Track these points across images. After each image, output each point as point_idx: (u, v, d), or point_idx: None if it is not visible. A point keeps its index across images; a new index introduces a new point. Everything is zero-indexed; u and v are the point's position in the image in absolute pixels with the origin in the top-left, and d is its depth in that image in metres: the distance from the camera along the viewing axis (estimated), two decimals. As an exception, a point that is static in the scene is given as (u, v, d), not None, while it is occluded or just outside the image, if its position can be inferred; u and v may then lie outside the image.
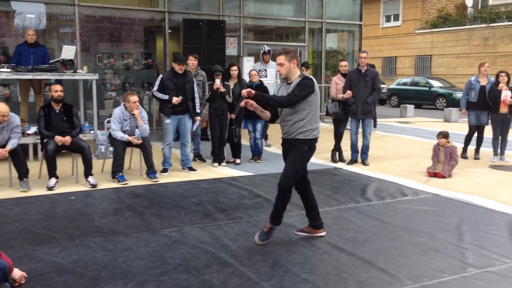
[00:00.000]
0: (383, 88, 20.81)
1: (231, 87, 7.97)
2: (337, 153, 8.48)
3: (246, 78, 8.92)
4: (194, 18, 11.68)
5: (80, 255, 4.14)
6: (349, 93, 7.94)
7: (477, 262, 4.07)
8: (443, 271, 3.89)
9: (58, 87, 6.59)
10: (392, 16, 28.39)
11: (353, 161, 8.26)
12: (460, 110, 9.28)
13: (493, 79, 8.69)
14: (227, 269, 3.87)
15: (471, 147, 8.87)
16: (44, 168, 6.62)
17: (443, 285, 3.67)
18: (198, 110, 7.63)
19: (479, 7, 27.37)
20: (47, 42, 11.33)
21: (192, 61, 8.11)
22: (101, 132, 8.30)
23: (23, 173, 6.29)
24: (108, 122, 7.30)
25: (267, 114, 4.53)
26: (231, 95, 7.82)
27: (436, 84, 21.86)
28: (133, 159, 7.69)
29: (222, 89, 7.63)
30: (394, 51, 27.96)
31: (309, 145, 4.38)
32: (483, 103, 8.54)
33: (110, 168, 6.89)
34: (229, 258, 4.10)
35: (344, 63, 8.70)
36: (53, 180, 6.41)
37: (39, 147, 7.25)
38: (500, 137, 8.53)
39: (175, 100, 7.19)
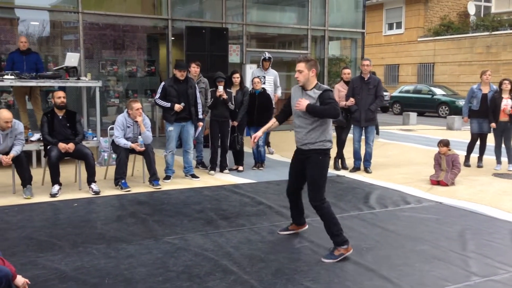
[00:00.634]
0: (385, 95, 20.85)
1: (233, 94, 7.99)
2: (339, 161, 8.47)
3: (248, 85, 8.93)
4: (197, 25, 11.73)
5: (83, 262, 4.14)
6: (352, 100, 7.95)
7: (480, 271, 4.05)
8: (447, 279, 3.88)
9: (60, 93, 6.60)
10: (394, 24, 28.44)
11: (355, 168, 8.26)
12: (463, 118, 9.28)
13: (495, 87, 8.69)
14: (230, 277, 3.87)
15: (474, 155, 8.85)
16: (47, 175, 6.63)
17: (447, 293, 3.66)
18: (200, 116, 7.64)
19: (482, 15, 27.43)
20: (51, 49, 11.39)
21: (195, 69, 8.13)
22: (104, 139, 8.32)
23: (26, 180, 6.30)
24: (111, 129, 7.32)
25: (274, 124, 4.77)
26: (233, 102, 7.84)
27: (438, 91, 21.86)
28: (136, 166, 7.70)
29: (225, 96, 7.65)
30: (397, 58, 27.99)
31: (323, 155, 4.41)
32: (485, 111, 8.53)
33: (113, 175, 6.90)
34: (232, 266, 4.09)
35: (347, 70, 8.71)
36: (56, 187, 6.42)
37: (43, 154, 7.27)
38: (504, 146, 8.48)
39: (177, 107, 7.21)
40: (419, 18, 27.00)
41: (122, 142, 6.81)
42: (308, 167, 4.39)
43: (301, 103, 4.30)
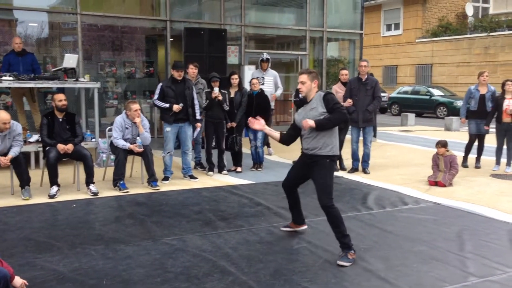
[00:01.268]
0: (383, 96, 20.87)
1: (232, 95, 8.00)
2: (338, 162, 8.48)
3: (246, 86, 8.94)
4: (196, 26, 11.74)
5: (81, 263, 4.14)
6: (349, 101, 7.97)
7: (478, 271, 4.07)
8: (444, 280, 3.89)
9: (61, 96, 6.61)
10: (392, 25, 28.48)
11: (354, 169, 8.27)
12: (461, 119, 9.29)
13: (493, 87, 8.70)
14: (228, 278, 3.88)
15: (472, 156, 8.87)
16: (45, 176, 6.63)
17: (444, 294, 3.67)
18: (198, 117, 7.64)
19: (480, 16, 27.47)
20: (49, 50, 11.40)
21: (192, 70, 8.13)
22: (103, 140, 8.32)
23: (24, 181, 6.30)
24: (110, 130, 7.32)
25: (275, 134, 4.72)
26: (228, 103, 7.85)
27: (436, 92, 21.90)
28: (135, 167, 7.70)
29: (220, 97, 7.66)
30: (395, 59, 28.03)
31: (331, 160, 4.47)
32: (483, 112, 8.55)
33: (111, 176, 6.90)
34: (230, 267, 4.10)
35: (344, 71, 8.73)
36: (55, 188, 6.42)
37: (41, 155, 7.27)
38: (506, 147, 8.48)
39: (176, 107, 7.22)
40: (417, 19, 27.04)
41: (121, 143, 6.81)
42: (316, 169, 4.43)
43: (308, 123, 4.31)
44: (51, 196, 6.31)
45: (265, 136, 9.79)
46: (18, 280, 3.48)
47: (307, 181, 4.74)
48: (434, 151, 7.73)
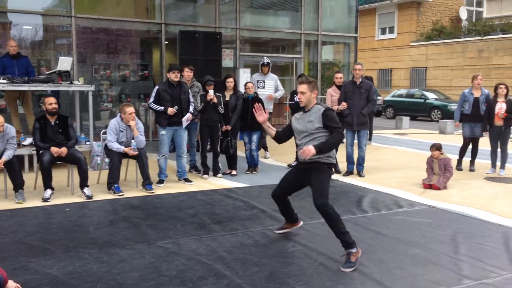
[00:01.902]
0: (378, 100, 20.94)
1: (227, 98, 8.00)
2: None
3: (241, 89, 8.95)
4: (191, 30, 11.73)
5: (75, 267, 4.12)
6: (344, 105, 7.98)
7: (472, 274, 4.07)
8: (439, 283, 3.89)
9: (52, 99, 6.57)
10: (387, 29, 28.60)
11: (348, 172, 8.28)
12: (455, 122, 9.33)
13: (487, 91, 8.74)
14: (223, 281, 3.86)
15: (466, 159, 8.90)
16: (39, 179, 6.60)
17: (439, 297, 3.67)
18: (191, 110, 7.57)
19: (474, 20, 27.64)
20: (43, 53, 11.35)
21: (188, 73, 8.13)
22: (97, 143, 8.29)
23: (18, 185, 6.27)
24: (104, 133, 7.30)
25: (272, 131, 4.74)
26: (222, 106, 7.84)
27: (431, 96, 21.99)
28: (129, 170, 7.68)
29: (215, 100, 7.66)
30: (390, 63, 28.14)
31: (328, 166, 4.52)
32: (477, 115, 8.58)
33: (105, 179, 6.88)
34: (225, 270, 4.09)
35: (339, 75, 8.75)
36: (49, 191, 6.39)
37: (35, 158, 7.23)
38: (500, 150, 8.52)
39: (171, 110, 7.21)
40: (411, 23, 27.17)
41: (115, 146, 6.79)
42: (314, 174, 4.44)
43: (307, 151, 4.27)
44: (45, 200, 6.28)
45: (263, 140, 9.85)
46: (11, 284, 3.45)
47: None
48: (428, 154, 7.75)
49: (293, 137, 4.78)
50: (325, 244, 4.71)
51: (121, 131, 6.91)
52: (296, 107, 8.67)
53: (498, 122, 8.33)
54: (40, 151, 6.50)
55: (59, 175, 7.18)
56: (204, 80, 7.82)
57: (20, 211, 5.88)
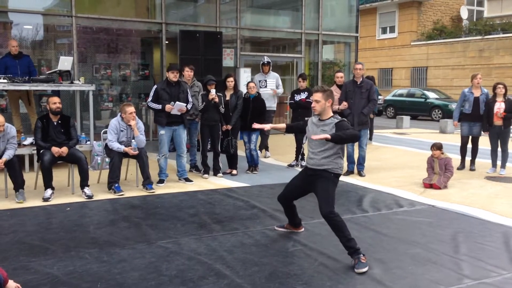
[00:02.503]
0: (379, 99, 20.91)
1: (227, 98, 8.00)
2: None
3: (242, 89, 8.96)
4: (191, 29, 11.73)
5: (75, 267, 4.12)
6: (345, 104, 7.98)
7: (473, 274, 4.07)
8: (439, 282, 3.89)
9: (56, 99, 6.58)
10: (388, 28, 28.59)
11: (349, 172, 8.28)
12: (454, 122, 9.32)
13: (486, 90, 8.74)
14: (223, 281, 3.87)
15: (466, 159, 8.88)
16: (40, 179, 6.60)
17: (439, 296, 3.67)
18: (189, 107, 7.50)
19: (474, 20, 27.61)
20: (44, 53, 11.35)
21: (188, 73, 8.13)
22: (98, 143, 8.30)
23: (18, 184, 6.27)
24: (105, 133, 7.30)
25: (281, 126, 4.94)
26: (223, 106, 7.84)
27: (431, 95, 21.98)
28: (130, 170, 7.68)
29: (217, 99, 7.66)
30: (390, 62, 28.12)
31: (335, 175, 4.52)
32: (477, 115, 8.58)
33: (106, 179, 6.88)
34: (225, 270, 4.09)
35: (340, 74, 8.76)
36: (49, 191, 6.39)
37: (35, 158, 7.23)
38: (500, 150, 8.52)
39: (168, 107, 7.20)
40: (412, 22, 27.15)
41: (116, 146, 6.79)
42: (320, 181, 4.46)
43: (322, 136, 4.28)
44: (45, 199, 6.28)
45: (264, 139, 9.86)
46: (11, 284, 3.46)
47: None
48: (429, 154, 7.75)
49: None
50: (325, 244, 4.71)
51: (122, 131, 6.91)
52: (296, 107, 8.69)
53: (497, 121, 8.34)
54: (41, 151, 6.50)
55: (60, 175, 7.18)
56: (205, 80, 7.82)
57: (21, 210, 5.88)
